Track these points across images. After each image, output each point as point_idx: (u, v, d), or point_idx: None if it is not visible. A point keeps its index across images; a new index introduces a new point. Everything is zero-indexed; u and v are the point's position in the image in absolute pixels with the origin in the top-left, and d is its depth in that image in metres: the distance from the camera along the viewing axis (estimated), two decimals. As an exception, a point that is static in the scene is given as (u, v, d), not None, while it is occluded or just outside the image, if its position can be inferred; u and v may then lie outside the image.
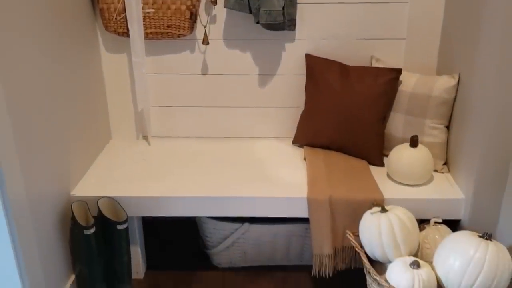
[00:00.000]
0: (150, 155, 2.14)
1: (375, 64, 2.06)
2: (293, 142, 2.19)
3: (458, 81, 1.88)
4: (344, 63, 2.04)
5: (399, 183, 1.88)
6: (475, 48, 1.74)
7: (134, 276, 1.93)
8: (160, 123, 2.25)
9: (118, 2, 1.96)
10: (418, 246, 1.66)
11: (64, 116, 1.77)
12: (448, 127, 1.96)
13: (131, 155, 2.13)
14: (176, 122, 2.25)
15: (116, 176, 1.95)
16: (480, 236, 1.47)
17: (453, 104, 1.91)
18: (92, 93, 2.05)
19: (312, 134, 2.10)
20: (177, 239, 2.25)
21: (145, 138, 2.26)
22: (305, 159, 2.04)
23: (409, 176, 1.86)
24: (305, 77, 2.09)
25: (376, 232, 1.59)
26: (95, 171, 1.99)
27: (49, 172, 1.65)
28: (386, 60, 2.06)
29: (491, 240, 1.46)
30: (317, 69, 2.05)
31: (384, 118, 2.00)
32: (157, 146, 2.21)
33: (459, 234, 1.53)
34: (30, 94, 1.52)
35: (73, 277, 1.81)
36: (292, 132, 2.19)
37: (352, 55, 2.07)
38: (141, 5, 1.96)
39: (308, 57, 2.08)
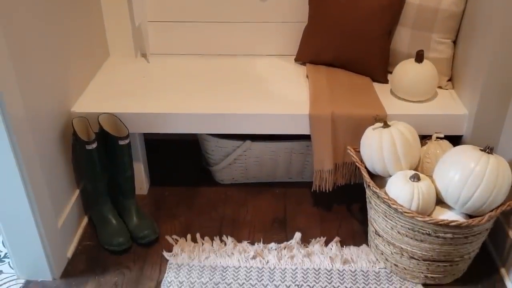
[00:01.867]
0: (150, 73, 2.10)
1: (382, -24, 1.97)
2: (296, 60, 2.14)
3: (468, -8, 1.81)
4: (349, -26, 1.95)
5: (403, 99, 1.86)
6: (488, -45, 1.65)
7: (138, 192, 1.96)
8: (158, 39, 2.19)
9: None
10: (419, 161, 1.67)
11: (60, 32, 1.71)
12: (454, 42, 1.90)
13: (130, 72, 2.09)
14: (175, 38, 2.19)
15: (115, 93, 1.92)
16: (481, 150, 1.47)
17: (462, 18, 1.85)
18: (87, 8, 1.97)
19: (315, 51, 2.05)
20: (180, 158, 2.27)
21: (144, 55, 2.21)
22: (307, 76, 2.01)
23: (413, 92, 1.83)
24: (309, -11, 2.01)
25: (378, 146, 1.59)
26: (94, 88, 1.96)
27: (48, 89, 1.62)
28: (394, -29, 1.96)
29: (492, 154, 1.46)
30: (321, -20, 1.96)
31: (389, 33, 1.94)
32: (156, 64, 2.16)
33: (460, 148, 1.53)
34: (24, 12, 1.46)
35: (77, 192, 1.84)
36: (294, 50, 2.14)
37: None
38: None
39: (312, -33, 1.98)
